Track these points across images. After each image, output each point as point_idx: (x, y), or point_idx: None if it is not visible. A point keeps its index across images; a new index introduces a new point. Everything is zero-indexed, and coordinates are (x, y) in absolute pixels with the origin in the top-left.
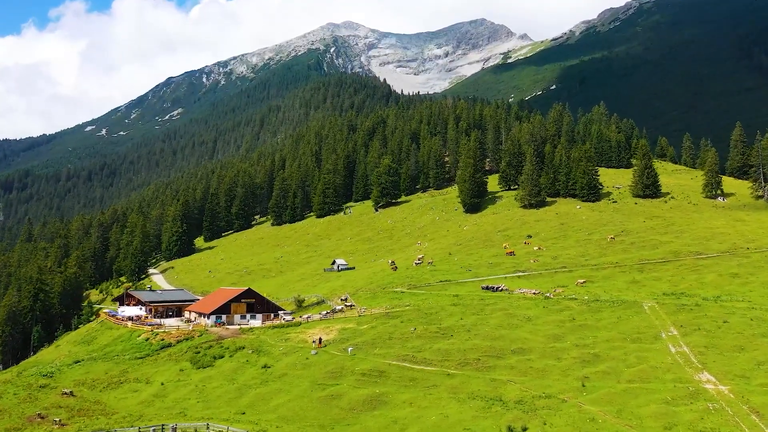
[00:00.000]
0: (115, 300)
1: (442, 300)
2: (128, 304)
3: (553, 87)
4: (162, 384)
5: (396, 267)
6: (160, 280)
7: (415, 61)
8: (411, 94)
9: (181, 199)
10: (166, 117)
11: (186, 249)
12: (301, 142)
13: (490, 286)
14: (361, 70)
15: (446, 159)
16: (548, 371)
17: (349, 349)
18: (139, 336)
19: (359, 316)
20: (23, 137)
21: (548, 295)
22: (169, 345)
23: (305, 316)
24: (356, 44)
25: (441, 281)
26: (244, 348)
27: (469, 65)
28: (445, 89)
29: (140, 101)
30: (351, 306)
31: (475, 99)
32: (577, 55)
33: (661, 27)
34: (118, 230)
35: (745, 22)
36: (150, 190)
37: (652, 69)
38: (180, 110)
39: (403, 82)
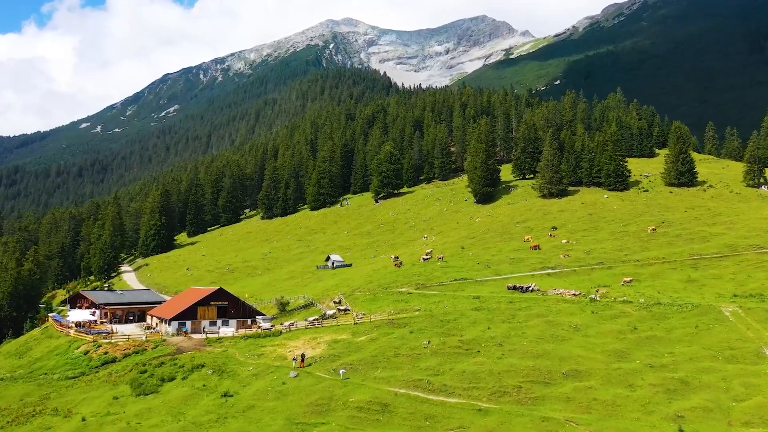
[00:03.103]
0: (64, 302)
1: (460, 303)
2: (80, 307)
3: (558, 82)
4: (83, 420)
5: (400, 263)
6: (131, 279)
7: (416, 58)
8: (412, 87)
9: (160, 189)
10: (162, 113)
11: (165, 244)
12: (296, 132)
13: (517, 285)
14: (360, 66)
15: (452, 149)
16: (621, 405)
17: (341, 370)
18: (78, 348)
19: (355, 323)
20: (17, 134)
21: (593, 297)
22: (113, 360)
23: (287, 323)
24: (356, 41)
25: (455, 280)
26: (203, 366)
27: (471, 62)
28: (446, 85)
29: (136, 98)
30: (345, 310)
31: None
32: (581, 51)
33: (667, 21)
34: (91, 224)
35: (754, 15)
36: (138, 185)
37: (659, 63)
38: (176, 107)
39: (404, 79)
